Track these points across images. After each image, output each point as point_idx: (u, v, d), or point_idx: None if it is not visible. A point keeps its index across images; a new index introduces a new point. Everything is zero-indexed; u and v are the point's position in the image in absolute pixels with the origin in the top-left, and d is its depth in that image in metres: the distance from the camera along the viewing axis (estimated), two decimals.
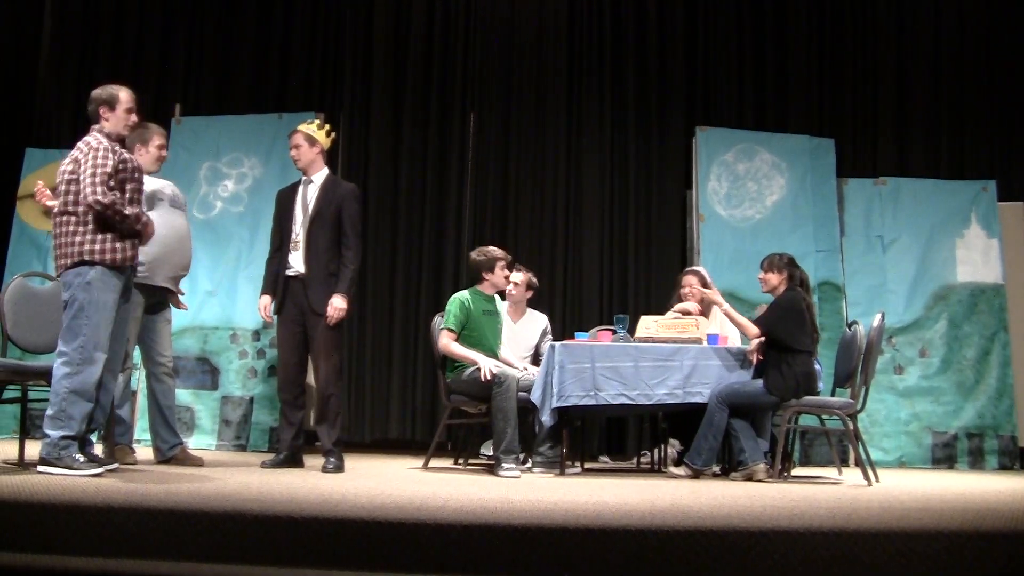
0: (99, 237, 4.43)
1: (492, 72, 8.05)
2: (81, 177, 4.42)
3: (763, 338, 5.54)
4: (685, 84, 8.09)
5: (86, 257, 4.41)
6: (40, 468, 4.31)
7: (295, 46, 8.13)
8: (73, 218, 4.45)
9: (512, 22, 8.10)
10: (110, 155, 4.46)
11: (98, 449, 5.01)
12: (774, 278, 5.66)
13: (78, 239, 4.43)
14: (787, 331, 5.48)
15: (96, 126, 4.62)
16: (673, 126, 8.02)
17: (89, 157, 4.44)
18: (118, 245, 4.47)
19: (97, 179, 4.39)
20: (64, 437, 4.31)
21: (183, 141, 7.44)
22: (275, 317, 5.57)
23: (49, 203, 4.90)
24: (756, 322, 5.63)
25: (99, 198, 4.37)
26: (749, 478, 5.35)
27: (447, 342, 5.79)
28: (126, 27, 8.21)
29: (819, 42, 8.16)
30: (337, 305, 5.34)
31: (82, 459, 4.33)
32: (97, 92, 4.65)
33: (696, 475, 5.46)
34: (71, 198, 4.47)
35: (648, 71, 8.06)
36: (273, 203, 7.17)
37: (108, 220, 4.42)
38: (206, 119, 7.68)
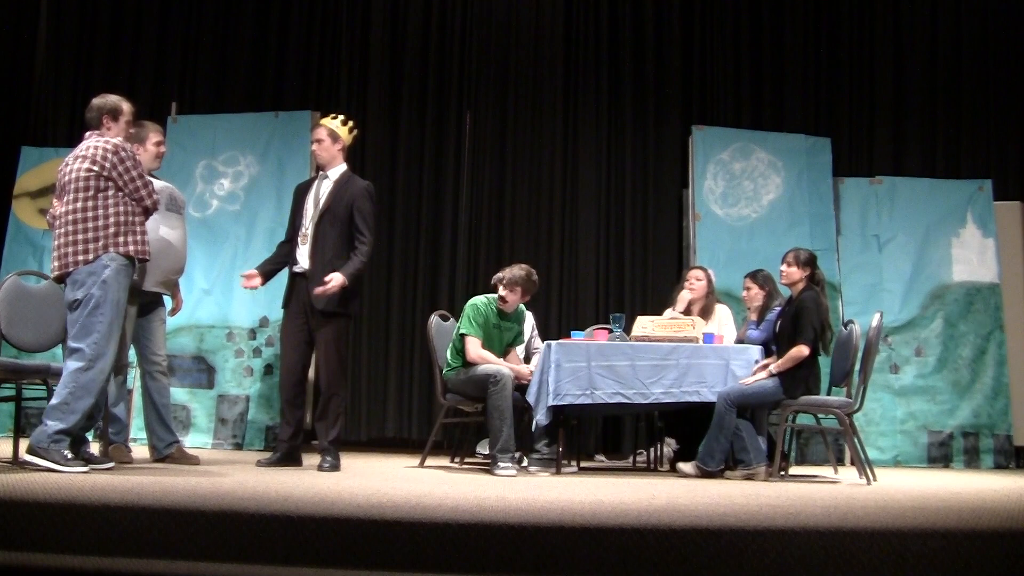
0: (126, 229, 4.55)
1: (488, 71, 8.04)
2: (127, 181, 4.57)
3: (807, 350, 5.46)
4: (682, 83, 8.09)
5: (111, 250, 4.50)
6: (26, 456, 4.34)
7: (292, 44, 8.12)
8: (90, 214, 4.50)
9: (509, 21, 8.09)
10: (137, 157, 4.73)
11: (95, 448, 5.00)
12: (797, 273, 5.62)
13: (91, 235, 4.49)
14: (820, 331, 5.47)
15: (94, 133, 4.67)
16: (669, 125, 8.02)
17: (128, 163, 4.59)
18: (139, 238, 4.61)
19: (144, 182, 4.64)
20: (59, 431, 4.34)
21: (179, 139, 7.42)
22: (282, 312, 5.55)
23: None
24: (801, 341, 5.42)
25: (147, 204, 4.67)
26: (749, 478, 5.35)
27: (477, 350, 5.70)
28: (123, 25, 8.19)
29: (816, 41, 8.17)
30: (336, 279, 5.21)
31: (70, 456, 4.36)
32: (100, 101, 4.71)
33: (707, 476, 5.44)
34: (88, 195, 4.51)
35: (645, 70, 8.06)
36: (269, 201, 7.27)
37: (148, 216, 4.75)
38: (202, 117, 7.67)
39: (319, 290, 5.21)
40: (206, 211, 7.37)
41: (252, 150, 7.47)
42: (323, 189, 5.50)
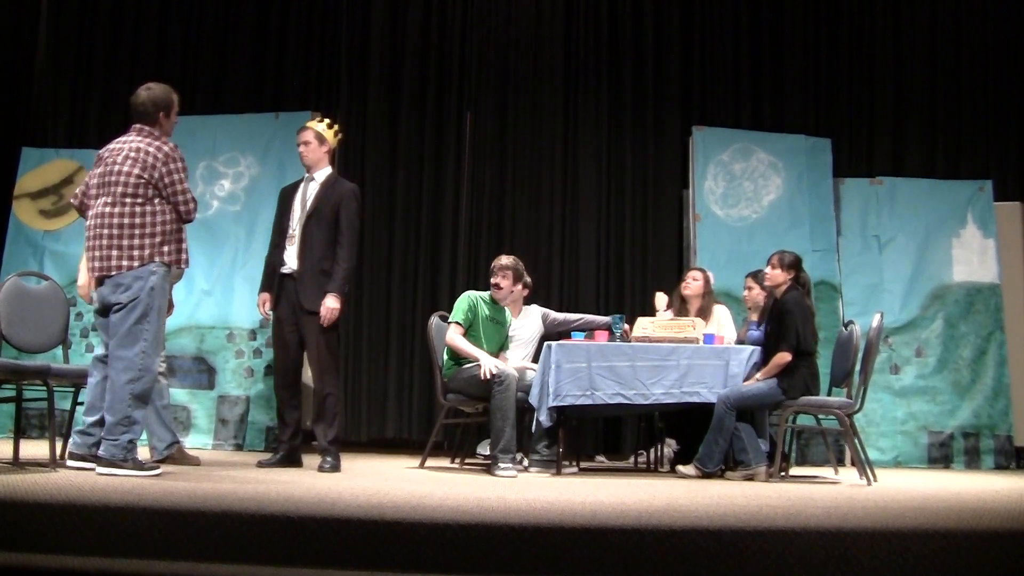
0: (170, 238, 4.50)
1: (489, 71, 8.03)
2: (172, 191, 4.51)
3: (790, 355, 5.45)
4: (682, 83, 8.09)
5: (156, 259, 4.45)
6: (102, 470, 4.33)
7: (292, 45, 8.12)
8: (138, 220, 4.45)
9: (509, 21, 8.09)
10: (185, 165, 4.65)
11: None
12: (781, 276, 5.63)
13: (136, 241, 4.45)
14: (804, 333, 5.47)
15: (146, 128, 4.63)
16: (669, 125, 8.02)
17: (176, 172, 4.55)
18: (178, 246, 4.56)
19: (190, 195, 4.58)
20: (130, 441, 4.38)
21: (179, 140, 7.28)
22: (271, 314, 5.57)
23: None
24: (784, 348, 5.43)
25: (182, 211, 4.55)
26: (749, 479, 5.35)
27: (453, 335, 5.79)
28: (123, 26, 8.19)
29: (816, 42, 8.16)
30: (330, 305, 5.30)
31: (142, 460, 4.42)
32: (151, 94, 4.65)
33: (706, 477, 5.44)
34: (138, 201, 4.46)
35: (645, 70, 8.05)
36: (269, 202, 7.24)
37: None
38: (203, 118, 7.66)
39: (324, 321, 5.30)
40: (206, 212, 7.36)
41: (252, 151, 7.47)
42: (310, 191, 5.54)
